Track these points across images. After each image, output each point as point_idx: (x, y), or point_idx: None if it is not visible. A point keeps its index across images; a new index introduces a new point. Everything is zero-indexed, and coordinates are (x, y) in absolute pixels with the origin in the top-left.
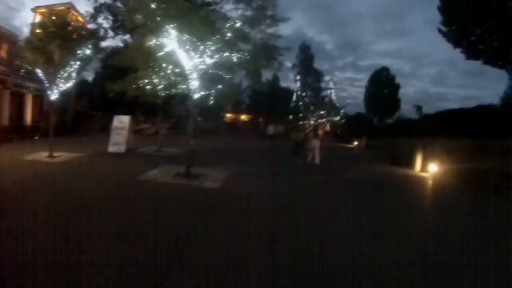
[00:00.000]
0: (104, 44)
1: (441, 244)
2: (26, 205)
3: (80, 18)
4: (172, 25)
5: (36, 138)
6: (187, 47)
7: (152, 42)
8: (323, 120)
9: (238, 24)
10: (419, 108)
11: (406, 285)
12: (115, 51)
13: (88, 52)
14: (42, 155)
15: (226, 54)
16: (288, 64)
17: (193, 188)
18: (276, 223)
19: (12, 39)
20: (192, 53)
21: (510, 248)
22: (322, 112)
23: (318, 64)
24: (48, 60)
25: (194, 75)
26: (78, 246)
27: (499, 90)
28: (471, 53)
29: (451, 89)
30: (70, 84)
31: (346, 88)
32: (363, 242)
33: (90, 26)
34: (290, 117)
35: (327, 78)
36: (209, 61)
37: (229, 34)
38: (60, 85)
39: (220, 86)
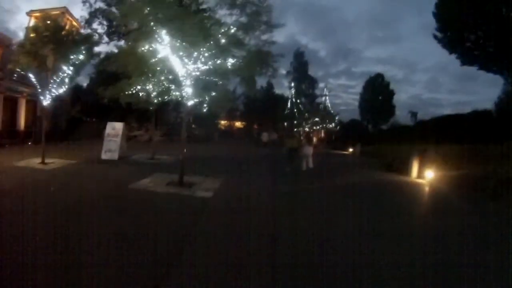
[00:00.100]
0: (98, 49)
1: (440, 251)
2: (15, 212)
3: (74, 23)
4: (165, 31)
5: (29, 143)
6: (181, 53)
7: (146, 47)
8: (318, 127)
9: (232, 30)
10: (414, 114)
11: None
12: (109, 56)
13: (81, 57)
14: (34, 162)
15: (220, 60)
16: (283, 71)
17: (186, 197)
18: (269, 233)
19: (5, 42)
20: (186, 59)
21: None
22: (316, 119)
23: (312, 71)
24: (41, 65)
25: (188, 82)
26: (65, 254)
27: (491, 95)
28: (467, 59)
29: (444, 95)
30: (63, 89)
31: (340, 95)
32: (363, 242)
33: (85, 31)
34: (285, 124)
35: (321, 85)
36: (202, 67)
37: (223, 40)
38: (53, 90)
39: (214, 93)
